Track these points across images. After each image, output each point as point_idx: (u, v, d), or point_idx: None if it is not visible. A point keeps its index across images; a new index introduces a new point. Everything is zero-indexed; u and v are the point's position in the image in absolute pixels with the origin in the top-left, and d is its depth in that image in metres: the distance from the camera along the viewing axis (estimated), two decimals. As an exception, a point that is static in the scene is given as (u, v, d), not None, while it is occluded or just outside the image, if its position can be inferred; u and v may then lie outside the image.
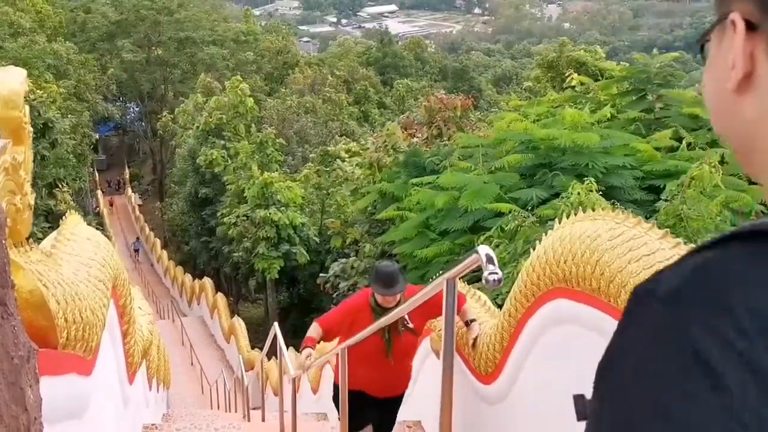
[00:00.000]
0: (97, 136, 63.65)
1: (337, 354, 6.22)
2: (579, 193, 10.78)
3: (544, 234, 4.63)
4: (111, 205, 65.88)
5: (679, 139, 15.35)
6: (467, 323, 5.81)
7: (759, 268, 0.78)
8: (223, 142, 43.98)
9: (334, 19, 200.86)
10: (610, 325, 3.41)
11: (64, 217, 4.87)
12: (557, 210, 10.72)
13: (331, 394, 6.96)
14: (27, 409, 2.35)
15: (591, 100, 18.69)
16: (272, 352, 14.97)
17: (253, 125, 46.69)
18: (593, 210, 4.13)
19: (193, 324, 35.25)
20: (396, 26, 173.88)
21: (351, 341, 5.87)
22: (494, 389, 5.38)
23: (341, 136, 49.70)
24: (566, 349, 4.20)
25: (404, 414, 6.87)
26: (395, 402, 6.62)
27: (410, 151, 21.00)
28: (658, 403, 0.74)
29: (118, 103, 75.35)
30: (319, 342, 6.28)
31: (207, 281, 36.21)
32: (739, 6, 0.87)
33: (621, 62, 30.38)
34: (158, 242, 53.58)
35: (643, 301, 0.83)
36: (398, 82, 73.56)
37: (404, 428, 7.79)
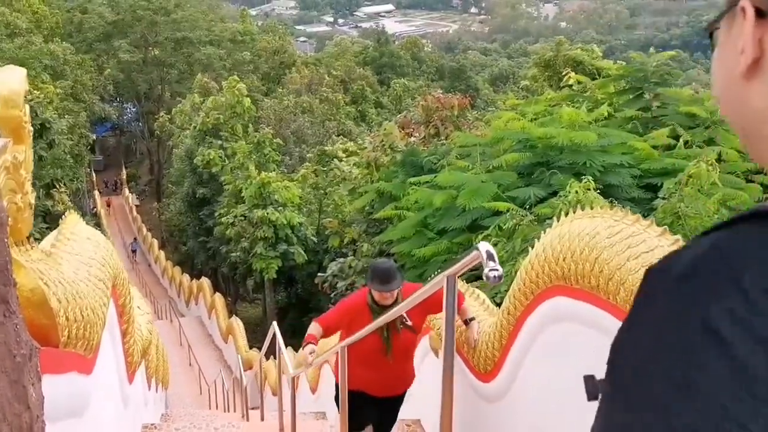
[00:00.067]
0: (94, 137, 63.70)
1: (337, 353, 6.23)
2: (577, 192, 10.80)
3: (542, 232, 4.63)
4: (108, 205, 65.80)
5: (677, 138, 15.38)
6: (466, 322, 5.81)
7: None
8: (220, 142, 43.97)
9: (331, 19, 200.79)
10: (609, 322, 3.43)
11: (63, 216, 4.88)
12: (555, 208, 10.73)
13: (332, 393, 6.97)
14: (30, 407, 2.36)
15: (588, 99, 18.71)
16: (270, 352, 14.96)
17: (250, 125, 46.68)
18: (591, 208, 4.14)
19: (191, 324, 35.25)
20: (393, 26, 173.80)
21: (350, 340, 5.87)
22: (493, 387, 5.38)
23: (338, 135, 49.70)
24: (565, 347, 4.21)
25: (403, 413, 6.87)
26: (396, 401, 6.61)
27: (408, 151, 21.00)
28: (673, 376, 0.76)
29: (115, 104, 75.27)
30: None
31: (205, 281, 36.21)
32: None
33: (618, 61, 30.41)
34: (156, 243, 53.55)
35: (657, 280, 0.86)
36: (395, 82, 73.51)
37: (403, 427, 7.79)
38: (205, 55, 69.16)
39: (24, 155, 3.22)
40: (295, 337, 24.88)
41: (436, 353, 6.90)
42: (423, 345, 7.20)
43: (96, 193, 65.33)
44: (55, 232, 4.46)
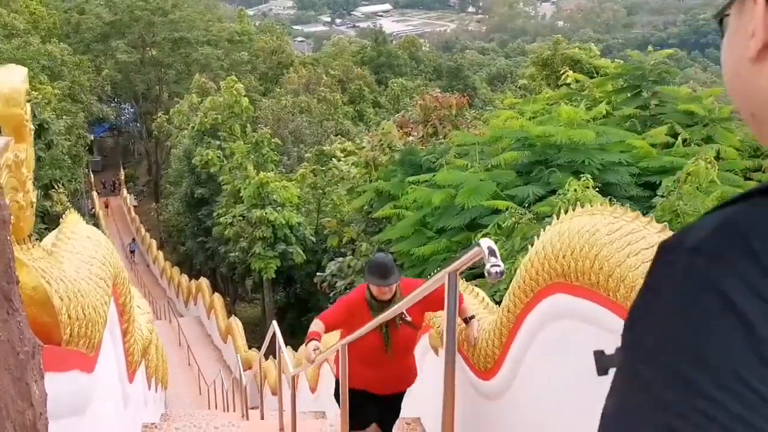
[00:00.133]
0: (92, 137, 63.66)
1: (338, 350, 6.23)
2: (576, 190, 10.80)
3: (542, 230, 4.64)
4: (106, 206, 65.76)
5: (675, 136, 15.38)
6: (466, 320, 5.81)
7: None
8: (218, 142, 43.93)
9: (328, 19, 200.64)
10: (609, 319, 3.44)
11: (63, 216, 4.88)
12: (554, 207, 10.74)
13: (332, 391, 6.97)
14: (33, 405, 2.36)
15: (586, 98, 18.70)
16: (270, 352, 14.98)
17: (248, 125, 46.67)
18: (590, 206, 4.15)
19: (190, 324, 35.24)
20: (390, 25, 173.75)
21: (351, 337, 5.87)
22: (493, 385, 5.39)
23: (336, 135, 49.64)
24: (565, 344, 4.22)
25: (403, 411, 6.88)
26: (397, 399, 6.62)
27: (406, 150, 20.98)
28: (688, 345, 0.79)
29: (112, 104, 75.20)
30: None
31: (203, 281, 36.20)
32: None
33: (615, 60, 30.43)
34: (154, 243, 53.53)
35: (670, 253, 0.88)
36: (393, 82, 73.51)
37: (403, 425, 7.80)
38: (202, 56, 69.11)
39: (25, 154, 3.23)
40: (295, 337, 24.91)
41: (436, 351, 6.91)
42: (423, 343, 7.21)
43: (94, 193, 65.27)
44: (55, 231, 4.47)
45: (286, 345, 11.47)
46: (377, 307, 6.01)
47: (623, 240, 3.48)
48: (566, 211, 4.30)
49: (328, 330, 6.18)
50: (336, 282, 22.45)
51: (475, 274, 12.00)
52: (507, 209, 12.77)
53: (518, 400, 5.05)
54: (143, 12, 68.97)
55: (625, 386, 0.87)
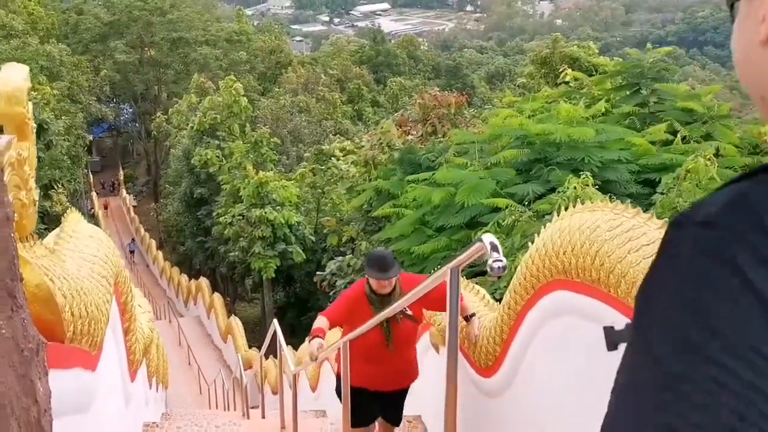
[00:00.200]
0: (91, 138, 63.58)
1: (339, 348, 6.23)
2: (575, 188, 10.81)
3: (542, 227, 4.64)
4: (106, 207, 65.67)
5: (674, 133, 15.38)
6: (467, 318, 5.81)
7: None
8: (217, 142, 43.93)
9: (327, 18, 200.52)
10: (610, 315, 3.44)
11: (64, 216, 4.89)
12: (554, 204, 10.75)
13: (333, 387, 6.97)
14: (37, 402, 2.37)
15: (585, 96, 18.71)
16: (270, 351, 14.97)
17: (247, 125, 46.66)
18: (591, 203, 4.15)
19: (190, 324, 35.22)
20: (388, 24, 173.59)
21: (352, 335, 5.87)
22: (494, 382, 5.39)
23: (335, 134, 49.64)
24: (566, 341, 4.22)
25: (405, 409, 6.88)
26: (399, 396, 6.60)
27: (405, 149, 20.99)
28: (701, 316, 0.81)
29: (111, 105, 75.17)
30: None
31: (203, 281, 36.19)
32: None
33: (614, 58, 30.43)
34: (154, 243, 53.51)
35: (681, 227, 0.90)
36: (391, 81, 73.56)
37: (404, 423, 7.80)
38: (201, 55, 69.11)
39: (28, 152, 3.24)
40: (294, 336, 24.93)
41: (437, 349, 6.92)
42: (424, 341, 7.21)
43: (93, 194, 65.22)
44: (57, 230, 4.47)
45: (287, 344, 11.48)
46: (377, 301, 6.02)
47: (624, 236, 3.49)
48: (566, 208, 4.30)
49: (332, 325, 6.17)
50: (336, 281, 22.44)
51: (475, 272, 12.00)
52: (507, 207, 12.78)
53: (519, 397, 5.05)
54: (141, 12, 68.98)
55: (636, 358, 0.89)
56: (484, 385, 5.63)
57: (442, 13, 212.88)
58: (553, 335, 4.39)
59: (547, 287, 4.33)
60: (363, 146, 27.47)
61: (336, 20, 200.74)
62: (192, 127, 46.09)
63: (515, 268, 5.10)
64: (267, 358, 17.16)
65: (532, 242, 4.66)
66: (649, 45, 21.84)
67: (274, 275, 35.39)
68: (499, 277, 11.28)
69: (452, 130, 21.07)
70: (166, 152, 61.24)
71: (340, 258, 23.63)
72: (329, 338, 6.83)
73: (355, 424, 6.41)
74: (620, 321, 3.25)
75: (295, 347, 16.65)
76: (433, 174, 15.66)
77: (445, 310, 5.52)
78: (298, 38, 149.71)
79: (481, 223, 13.48)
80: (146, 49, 71.45)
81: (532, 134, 15.14)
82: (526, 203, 13.21)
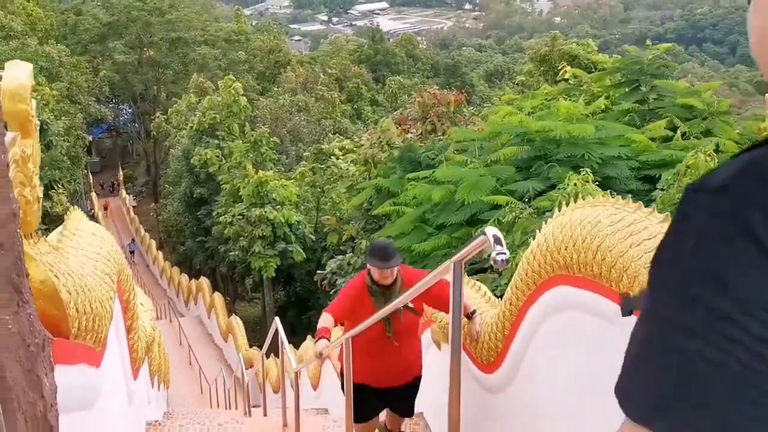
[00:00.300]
0: (91, 138, 63.57)
1: (341, 345, 6.23)
2: (575, 184, 10.83)
3: (543, 222, 4.65)
4: (105, 208, 65.60)
5: (674, 129, 15.41)
6: (468, 316, 5.80)
7: None
8: (217, 141, 43.90)
9: (325, 18, 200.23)
10: (612, 309, 3.44)
11: (66, 215, 4.90)
12: (554, 201, 10.76)
13: (334, 388, 6.97)
14: (44, 396, 2.38)
15: (585, 93, 18.74)
16: (272, 350, 14.98)
17: (246, 124, 46.64)
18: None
19: (190, 324, 35.20)
20: (387, 23, 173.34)
21: (354, 331, 5.87)
22: (496, 378, 5.39)
23: (334, 134, 49.60)
24: (568, 336, 4.23)
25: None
26: (405, 390, 6.56)
27: (405, 147, 21.01)
28: (713, 273, 0.84)
29: (110, 105, 75.17)
30: None
31: (204, 281, 36.16)
32: None
33: (613, 55, 30.42)
34: (153, 243, 53.47)
35: (697, 193, 0.92)
36: (390, 79, 73.56)
37: (405, 420, 7.80)
38: (200, 55, 69.08)
39: (31, 149, 3.25)
40: (295, 335, 24.90)
41: (439, 346, 6.92)
42: (425, 338, 7.20)
43: (93, 194, 65.16)
44: (60, 228, 4.48)
45: (288, 342, 11.48)
46: (379, 292, 6.01)
47: (625, 231, 3.48)
48: (567, 205, 4.31)
49: (336, 321, 6.16)
50: (336, 280, 22.46)
51: (476, 269, 12.02)
52: (507, 204, 12.80)
53: (521, 393, 5.05)
54: (140, 12, 68.95)
55: (651, 319, 0.92)
56: (485, 381, 5.63)
57: (440, 11, 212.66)
58: (554, 330, 4.39)
59: (549, 283, 4.33)
60: (362, 145, 27.50)
61: (334, 19, 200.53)
62: (191, 127, 46.07)
63: (516, 265, 5.11)
64: (268, 357, 17.16)
65: (533, 239, 4.66)
66: (648, 42, 21.84)
67: (274, 274, 35.39)
68: (500, 274, 11.30)
69: (452, 128, 21.09)
70: (166, 152, 61.21)
71: (340, 257, 23.65)
72: (333, 336, 6.83)
73: (358, 419, 6.40)
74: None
75: (296, 346, 16.66)
76: (433, 172, 15.68)
77: (446, 311, 5.54)
78: (296, 38, 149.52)
79: (482, 220, 13.49)
80: (145, 49, 71.42)
81: (531, 131, 15.16)
82: (527, 200, 13.24)
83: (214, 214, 39.70)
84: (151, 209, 63.13)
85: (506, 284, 5.63)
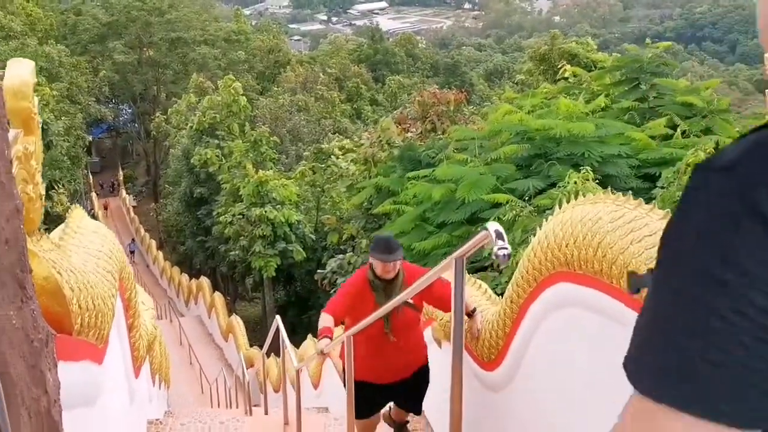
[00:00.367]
0: (91, 139, 63.56)
1: (342, 342, 6.23)
2: (576, 182, 10.84)
3: (544, 220, 4.65)
4: (105, 208, 65.57)
5: (674, 127, 15.43)
6: (469, 314, 5.79)
7: None
8: (217, 141, 43.90)
9: (325, 17, 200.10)
10: (613, 306, 3.45)
11: (68, 214, 4.91)
12: (554, 199, 10.77)
13: (335, 387, 6.97)
14: (47, 392, 2.39)
15: (584, 91, 18.74)
16: (272, 349, 14.98)
17: (246, 124, 46.64)
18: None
19: (190, 323, 35.20)
20: (386, 23, 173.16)
21: (355, 329, 5.86)
22: (497, 375, 5.39)
23: (334, 133, 49.60)
24: (569, 333, 4.23)
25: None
26: (409, 383, 6.51)
27: (405, 146, 21.03)
28: (720, 249, 0.86)
29: (110, 105, 75.17)
30: None
31: (204, 281, 36.15)
32: None
33: (612, 54, 30.43)
34: (154, 243, 53.45)
35: (704, 171, 0.93)
36: (390, 79, 73.57)
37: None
38: (199, 55, 69.05)
39: (34, 146, 3.26)
40: (295, 335, 24.89)
41: (440, 344, 6.92)
42: (426, 336, 7.21)
43: (93, 195, 65.13)
44: (62, 226, 4.49)
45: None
46: (381, 286, 6.00)
47: (626, 227, 3.49)
48: (568, 202, 4.31)
49: (337, 319, 6.12)
50: (336, 279, 22.46)
51: (476, 267, 12.02)
52: (507, 203, 12.81)
53: (522, 390, 5.06)
54: (140, 12, 68.93)
55: (660, 294, 0.94)
56: (486, 378, 5.63)
57: (440, 11, 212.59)
58: (555, 327, 4.39)
59: (550, 279, 4.34)
60: (362, 144, 27.50)
61: (334, 19, 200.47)
62: (191, 127, 46.07)
63: (517, 263, 5.11)
64: (268, 356, 17.16)
65: (534, 237, 4.66)
66: (648, 40, 21.85)
67: (274, 274, 35.39)
68: (501, 272, 11.31)
69: (452, 127, 21.10)
70: (166, 152, 61.19)
71: (340, 256, 23.67)
72: (334, 335, 6.83)
73: (359, 415, 6.40)
74: (623, 312, 3.28)
75: (297, 345, 16.66)
76: (434, 170, 15.70)
77: (447, 310, 5.53)
78: (296, 37, 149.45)
79: (482, 218, 13.51)
80: (145, 49, 71.42)
81: (531, 130, 15.18)
82: (527, 198, 13.25)
83: (214, 213, 39.69)
84: (151, 209, 63.11)
85: (507, 282, 5.64)
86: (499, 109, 18.10)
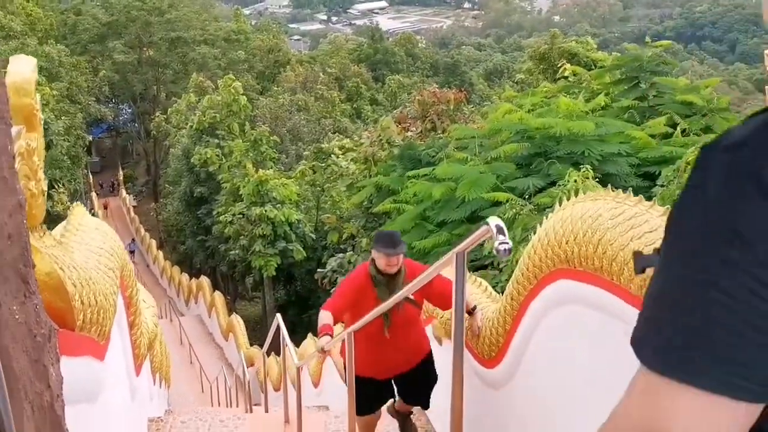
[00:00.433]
0: (91, 138, 63.57)
1: (343, 340, 6.23)
2: (576, 181, 10.85)
3: (544, 218, 4.66)
4: (105, 207, 65.55)
5: (674, 126, 15.44)
6: (470, 312, 5.79)
7: None
8: (217, 140, 43.91)
9: (325, 17, 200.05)
10: (613, 303, 3.46)
11: (69, 212, 4.92)
12: (554, 198, 10.77)
13: (336, 383, 6.97)
14: (50, 386, 2.40)
15: (584, 90, 18.75)
16: (273, 348, 14.98)
17: (246, 123, 46.65)
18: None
19: (191, 323, 35.21)
20: (386, 22, 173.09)
21: (356, 326, 5.86)
22: (497, 373, 5.40)
23: (334, 133, 49.62)
24: (569, 330, 4.24)
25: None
26: (411, 375, 6.47)
27: (405, 144, 21.04)
28: (729, 225, 0.87)
29: (110, 105, 75.24)
30: None
31: (204, 280, 36.16)
32: None
33: (612, 53, 30.43)
34: (154, 243, 53.44)
35: (713, 149, 0.95)
36: (390, 79, 73.59)
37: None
38: (199, 55, 69.07)
39: (36, 143, 3.27)
40: (295, 334, 24.89)
41: (440, 342, 6.92)
42: (428, 332, 7.21)
43: (93, 194, 65.10)
44: (63, 223, 4.50)
45: (289, 340, 11.47)
46: (383, 282, 5.99)
47: (626, 224, 3.49)
48: (568, 200, 4.32)
49: (337, 317, 6.09)
50: (337, 278, 22.45)
51: (477, 265, 12.03)
52: (507, 201, 12.82)
53: (523, 388, 5.06)
54: (140, 12, 68.96)
55: (667, 271, 0.95)
56: (487, 375, 5.64)
57: (439, 10, 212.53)
58: (556, 324, 4.40)
59: (550, 277, 4.34)
60: (362, 143, 27.50)
61: (334, 19, 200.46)
62: (191, 127, 46.08)
63: (517, 261, 5.11)
64: (269, 355, 17.17)
65: (534, 234, 4.67)
66: (648, 39, 21.85)
67: (274, 273, 35.40)
68: (501, 270, 11.32)
69: (452, 126, 21.10)
70: (166, 152, 61.18)
71: (340, 255, 23.67)
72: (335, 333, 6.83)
73: (360, 412, 6.40)
74: (624, 309, 3.29)
75: (297, 344, 16.67)
76: (434, 169, 15.70)
77: (447, 308, 5.53)
78: (296, 37, 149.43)
79: (482, 217, 13.47)
80: (145, 49, 71.44)
81: (531, 128, 15.18)
82: (527, 197, 13.26)
83: (214, 213, 39.68)
84: (151, 209, 63.10)
85: (507, 280, 5.64)
86: (499, 108, 18.11)
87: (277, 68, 72.87)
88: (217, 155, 42.47)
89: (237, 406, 17.78)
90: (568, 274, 4.08)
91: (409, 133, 24.78)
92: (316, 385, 12.66)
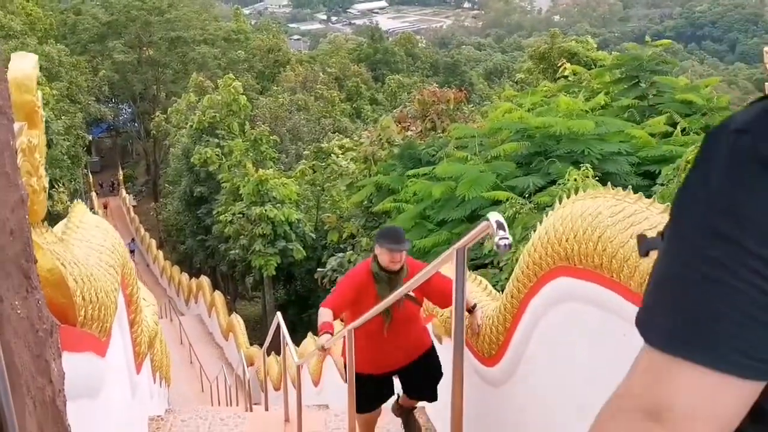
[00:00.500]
0: (90, 138, 63.58)
1: (344, 338, 6.23)
2: (576, 180, 10.85)
3: (544, 216, 4.66)
4: (105, 207, 65.50)
5: (674, 125, 15.44)
6: (470, 310, 5.78)
7: None
8: (217, 140, 43.91)
9: (324, 17, 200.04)
10: (614, 300, 3.46)
11: (69, 211, 4.93)
12: (554, 196, 10.77)
13: (336, 382, 6.97)
14: (52, 381, 2.40)
15: (584, 89, 18.76)
16: (273, 347, 14.99)
17: (246, 123, 46.67)
18: (592, 192, 4.18)
19: (191, 322, 35.23)
20: (386, 22, 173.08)
21: (357, 323, 5.85)
22: (498, 371, 5.40)
23: (334, 132, 49.62)
24: (569, 327, 4.24)
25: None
26: (412, 369, 6.41)
27: (405, 144, 21.03)
28: (733, 207, 0.89)
29: (110, 105, 75.27)
30: None
31: (204, 280, 36.19)
32: None
33: (612, 53, 30.43)
34: (154, 243, 53.44)
35: (718, 133, 0.96)
36: (390, 78, 73.58)
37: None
38: (199, 55, 69.08)
39: (38, 139, 3.28)
40: (295, 333, 24.91)
41: (440, 340, 6.93)
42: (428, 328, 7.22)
43: (93, 194, 65.06)
44: (64, 220, 4.51)
45: (289, 340, 11.48)
46: (385, 278, 5.97)
47: (626, 221, 3.49)
48: (568, 198, 4.32)
49: (337, 314, 6.06)
50: (337, 277, 22.46)
51: (477, 264, 12.03)
52: (507, 200, 12.82)
53: (523, 385, 5.06)
54: (140, 12, 68.98)
55: (673, 252, 0.97)
56: (487, 374, 5.64)
57: (439, 10, 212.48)
58: (556, 322, 4.40)
59: (550, 274, 4.34)
60: (362, 143, 27.51)
61: (334, 18, 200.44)
62: (191, 126, 46.09)
63: (517, 259, 5.11)
64: (269, 354, 17.18)
65: (534, 232, 4.67)
66: (648, 39, 21.85)
67: (274, 273, 35.43)
68: (501, 269, 11.33)
69: (452, 125, 21.10)
70: (166, 151, 61.20)
71: (340, 254, 23.69)
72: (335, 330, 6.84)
73: (360, 409, 6.39)
74: (624, 306, 3.29)
75: (297, 344, 16.69)
76: (434, 168, 15.70)
77: (446, 305, 5.53)
78: (295, 37, 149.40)
79: (482, 216, 13.45)
80: (144, 48, 71.45)
81: (531, 127, 15.19)
82: (527, 196, 13.26)
83: (214, 212, 39.69)
84: (151, 208, 63.10)
85: (507, 279, 5.64)
86: (498, 107, 18.12)
87: (277, 68, 72.87)
88: (217, 155, 42.47)
89: (237, 405, 17.77)
90: (568, 271, 4.08)
91: (409, 133, 24.78)
92: (316, 383, 12.66)
